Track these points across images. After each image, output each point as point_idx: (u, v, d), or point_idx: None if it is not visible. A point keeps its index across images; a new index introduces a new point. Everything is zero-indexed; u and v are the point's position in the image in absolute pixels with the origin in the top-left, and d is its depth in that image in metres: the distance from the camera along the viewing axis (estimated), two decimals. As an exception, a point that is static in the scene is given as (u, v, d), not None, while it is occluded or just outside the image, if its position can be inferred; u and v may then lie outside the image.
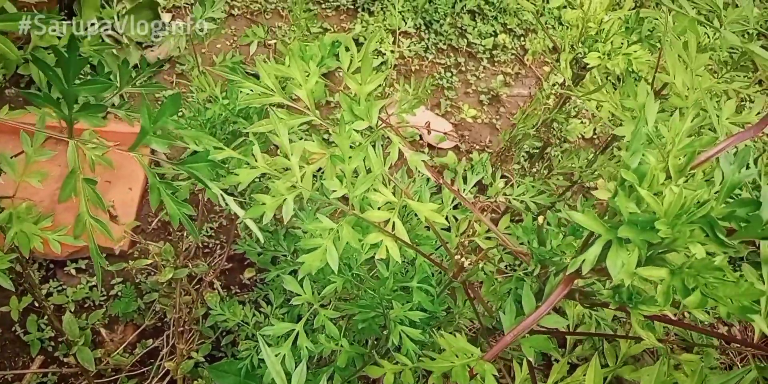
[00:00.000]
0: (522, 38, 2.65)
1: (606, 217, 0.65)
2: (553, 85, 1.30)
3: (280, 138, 0.83)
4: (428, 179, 1.23)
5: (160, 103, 2.07)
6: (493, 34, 2.61)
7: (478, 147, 2.30)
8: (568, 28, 1.15)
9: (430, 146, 2.25)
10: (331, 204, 0.85)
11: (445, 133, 2.05)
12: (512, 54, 2.59)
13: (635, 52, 1.15)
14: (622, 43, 1.15)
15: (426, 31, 2.55)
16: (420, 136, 2.23)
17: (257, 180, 1.17)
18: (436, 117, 2.32)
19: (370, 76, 1.00)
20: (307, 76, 1.02)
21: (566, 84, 1.16)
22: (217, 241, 1.80)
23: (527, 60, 2.59)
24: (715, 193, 0.66)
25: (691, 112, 0.67)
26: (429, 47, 2.51)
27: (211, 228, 1.81)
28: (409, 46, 2.48)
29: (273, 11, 2.45)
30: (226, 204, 0.73)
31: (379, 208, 0.94)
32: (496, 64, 2.56)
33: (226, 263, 1.72)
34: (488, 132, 2.36)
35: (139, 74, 1.07)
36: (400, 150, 0.90)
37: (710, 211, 0.60)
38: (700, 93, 1.10)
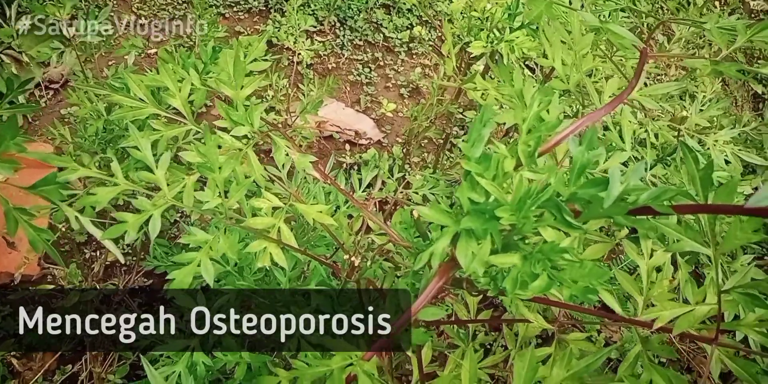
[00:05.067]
0: (438, 29, 2.66)
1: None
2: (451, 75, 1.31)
3: (142, 152, 0.80)
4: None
5: (67, 120, 2.01)
6: (408, 26, 2.61)
7: (400, 141, 2.30)
8: (450, 20, 1.15)
9: (351, 143, 2.24)
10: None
11: (354, 133, 2.04)
12: (429, 45, 2.60)
13: (517, 38, 1.16)
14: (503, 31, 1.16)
15: (341, 28, 2.53)
16: (340, 133, 2.22)
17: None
18: (357, 113, 2.31)
19: (245, 80, 0.98)
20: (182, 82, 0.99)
21: (452, 74, 1.16)
22: (135, 258, 1.76)
23: (444, 50, 2.60)
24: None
25: (536, 98, 0.67)
26: (345, 44, 2.50)
27: (128, 245, 1.77)
28: (324, 44, 2.47)
29: (181, 18, 2.40)
30: (80, 225, 0.70)
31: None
32: (414, 56, 2.57)
33: (144, 279, 1.68)
34: (409, 125, 2.37)
35: (9, 95, 1.03)
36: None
37: (553, 195, 0.61)
38: (581, 75, 1.11)
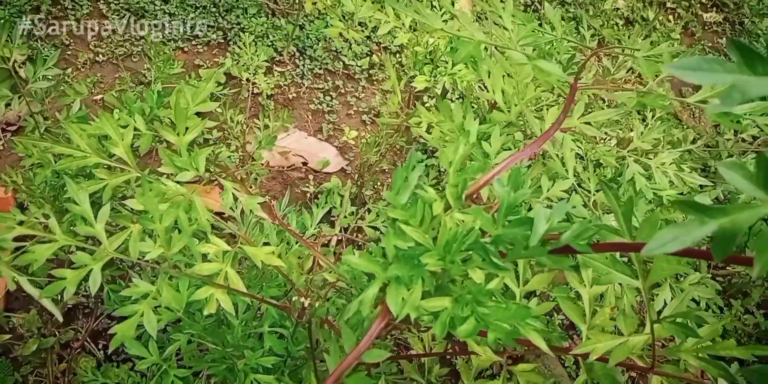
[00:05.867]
0: (398, 55, 2.70)
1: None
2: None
3: (81, 206, 0.80)
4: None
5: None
6: (367, 53, 2.64)
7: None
8: (394, 53, 1.17)
9: (314, 172, 2.25)
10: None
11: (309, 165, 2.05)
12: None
13: (459, 71, 1.18)
14: (445, 64, 1.18)
15: (300, 58, 2.56)
16: (303, 162, 2.23)
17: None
18: (320, 142, 2.33)
19: (189, 123, 0.98)
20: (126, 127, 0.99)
21: (401, 109, 1.18)
22: (97, 300, 1.74)
23: (388, 86, 2.64)
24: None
25: (463, 141, 0.69)
26: (305, 73, 2.52)
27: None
28: (284, 74, 2.48)
29: (139, 54, 2.41)
30: (16, 284, 0.70)
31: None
32: (374, 82, 2.59)
33: (108, 321, 1.66)
34: (360, 158, 2.38)
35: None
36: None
37: (478, 237, 0.62)
38: (523, 105, 1.14)
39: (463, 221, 0.65)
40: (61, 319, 0.72)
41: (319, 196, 2.13)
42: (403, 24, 1.31)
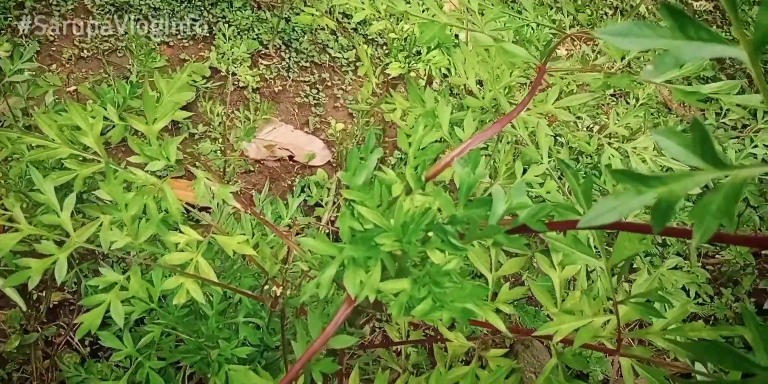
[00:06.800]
0: (384, 47, 2.69)
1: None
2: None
3: (45, 195, 0.80)
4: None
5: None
6: (354, 46, 2.63)
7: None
8: (381, 45, 1.16)
9: (301, 165, 2.24)
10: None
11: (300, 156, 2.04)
12: (377, 64, 2.62)
13: (434, 57, 1.18)
14: (420, 50, 1.18)
15: (286, 51, 2.55)
16: (290, 156, 2.22)
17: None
18: (307, 135, 2.32)
19: (157, 114, 0.98)
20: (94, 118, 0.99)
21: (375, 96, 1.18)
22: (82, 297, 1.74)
23: (361, 73, 2.62)
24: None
25: (422, 122, 0.68)
26: (291, 66, 2.51)
27: (75, 282, 1.74)
28: (269, 67, 2.47)
29: (125, 49, 2.40)
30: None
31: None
32: (361, 75, 2.58)
33: (93, 317, 1.65)
34: (338, 149, 2.37)
35: None
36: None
37: (435, 218, 0.62)
38: (496, 90, 1.13)
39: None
40: (24, 308, 0.72)
41: (304, 188, 2.12)
42: (379, 11, 1.30)
